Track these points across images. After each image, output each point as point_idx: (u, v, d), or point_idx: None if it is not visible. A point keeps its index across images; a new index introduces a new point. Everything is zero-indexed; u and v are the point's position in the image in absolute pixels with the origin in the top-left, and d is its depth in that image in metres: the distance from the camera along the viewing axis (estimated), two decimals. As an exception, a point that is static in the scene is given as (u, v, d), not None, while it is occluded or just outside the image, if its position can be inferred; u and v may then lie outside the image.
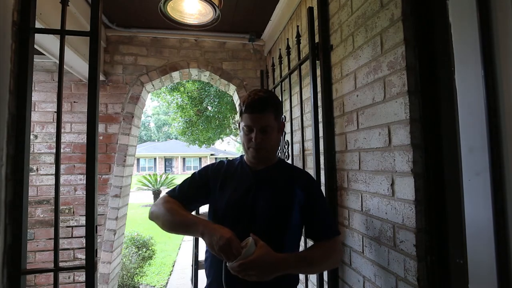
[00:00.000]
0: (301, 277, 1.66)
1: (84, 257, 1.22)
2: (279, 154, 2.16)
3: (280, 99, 2.08)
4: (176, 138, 29.98)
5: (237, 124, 1.28)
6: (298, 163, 1.80)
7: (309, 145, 1.66)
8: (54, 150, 2.40)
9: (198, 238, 2.42)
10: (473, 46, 0.69)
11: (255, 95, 1.08)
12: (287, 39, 2.05)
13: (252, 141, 1.08)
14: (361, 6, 1.17)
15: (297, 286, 1.14)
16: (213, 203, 1.16)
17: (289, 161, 1.94)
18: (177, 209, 1.09)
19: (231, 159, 1.28)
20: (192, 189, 1.18)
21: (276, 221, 1.06)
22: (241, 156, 1.24)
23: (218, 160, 1.39)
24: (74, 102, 2.49)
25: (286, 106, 2.07)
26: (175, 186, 1.22)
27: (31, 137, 2.38)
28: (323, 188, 1.44)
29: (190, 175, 1.23)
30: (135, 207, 11.80)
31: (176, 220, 1.07)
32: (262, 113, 1.06)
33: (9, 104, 1.10)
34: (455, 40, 0.75)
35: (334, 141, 1.41)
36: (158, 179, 13.63)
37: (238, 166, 1.20)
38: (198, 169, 1.27)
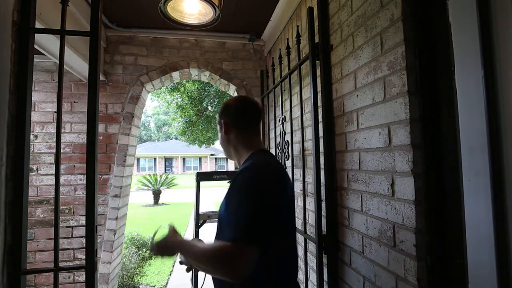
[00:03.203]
0: (301, 277, 1.66)
1: (84, 257, 1.22)
2: (279, 154, 2.16)
3: (280, 99, 2.08)
4: (176, 138, 30.00)
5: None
6: (298, 163, 1.80)
7: (309, 145, 1.66)
8: (54, 150, 2.41)
9: (198, 238, 2.42)
10: (473, 46, 0.69)
11: None
12: (287, 39, 2.05)
13: None
14: (361, 6, 1.17)
15: (298, 286, 1.13)
16: None
17: (289, 161, 1.94)
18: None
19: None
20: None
21: (220, 225, 1.05)
22: None
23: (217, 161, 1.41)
24: (74, 102, 2.49)
25: (286, 106, 2.07)
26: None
27: (31, 137, 2.38)
28: (323, 188, 1.44)
29: None
30: (135, 207, 11.80)
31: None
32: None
33: (9, 104, 1.11)
34: (455, 40, 0.75)
35: (334, 141, 1.41)
36: (158, 179, 13.62)
37: None
38: (199, 170, 1.25)
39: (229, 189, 1.00)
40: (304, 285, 1.58)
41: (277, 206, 0.94)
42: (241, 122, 1.12)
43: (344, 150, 1.32)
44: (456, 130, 0.75)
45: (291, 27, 2.07)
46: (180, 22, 1.83)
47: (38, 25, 1.43)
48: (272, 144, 2.41)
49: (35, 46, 1.41)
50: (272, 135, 2.43)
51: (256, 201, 0.88)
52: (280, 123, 2.07)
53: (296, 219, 1.92)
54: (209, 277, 1.12)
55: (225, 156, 2.45)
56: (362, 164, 1.18)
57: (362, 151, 1.18)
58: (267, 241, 0.87)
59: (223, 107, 1.18)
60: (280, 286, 0.99)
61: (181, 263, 1.10)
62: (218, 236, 1.04)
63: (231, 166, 29.19)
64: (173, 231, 1.11)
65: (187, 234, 7.48)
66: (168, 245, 1.07)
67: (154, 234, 1.19)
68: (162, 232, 1.14)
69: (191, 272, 1.19)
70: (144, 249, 4.29)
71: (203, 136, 8.39)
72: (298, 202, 1.89)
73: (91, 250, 1.21)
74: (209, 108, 7.77)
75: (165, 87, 7.18)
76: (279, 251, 0.98)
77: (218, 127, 1.20)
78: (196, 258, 0.93)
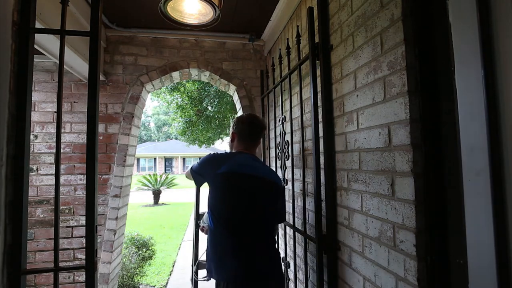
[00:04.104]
0: (301, 277, 1.66)
1: (84, 257, 1.22)
2: (279, 154, 2.17)
3: (280, 99, 2.08)
4: (176, 138, 29.98)
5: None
6: (298, 163, 1.81)
7: (309, 145, 1.66)
8: (54, 150, 2.41)
9: (198, 238, 2.42)
10: (473, 46, 0.69)
11: None
12: (287, 39, 2.05)
13: None
14: (361, 6, 1.17)
15: (297, 286, 1.14)
16: None
17: (289, 161, 1.94)
18: None
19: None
20: None
21: None
22: None
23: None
24: (74, 102, 2.49)
25: (286, 106, 2.07)
26: None
27: (31, 137, 2.38)
28: (323, 188, 1.44)
29: None
30: (135, 207, 11.80)
31: None
32: None
33: (9, 104, 1.10)
34: (455, 40, 0.75)
35: (334, 141, 1.41)
36: (158, 179, 13.62)
37: None
38: None
39: None
40: (304, 285, 1.58)
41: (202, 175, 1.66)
42: (244, 134, 1.69)
43: (344, 150, 1.32)
44: (456, 130, 0.75)
45: (291, 27, 2.07)
46: (180, 22, 1.83)
47: (38, 25, 1.43)
48: (272, 144, 2.42)
49: (35, 46, 1.41)
50: (272, 135, 2.43)
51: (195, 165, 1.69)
52: (280, 123, 2.07)
53: (296, 219, 1.92)
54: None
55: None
56: (362, 164, 1.18)
57: (362, 151, 1.18)
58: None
59: (235, 123, 1.74)
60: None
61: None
62: None
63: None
64: None
65: (187, 234, 7.48)
66: None
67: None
68: None
69: (191, 272, 1.24)
70: (144, 249, 4.29)
71: (203, 136, 8.38)
72: (298, 202, 1.89)
73: (91, 250, 1.21)
74: (209, 108, 7.76)
75: (165, 87, 7.17)
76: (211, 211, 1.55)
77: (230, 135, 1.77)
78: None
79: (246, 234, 1.47)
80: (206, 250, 1.59)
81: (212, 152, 1.69)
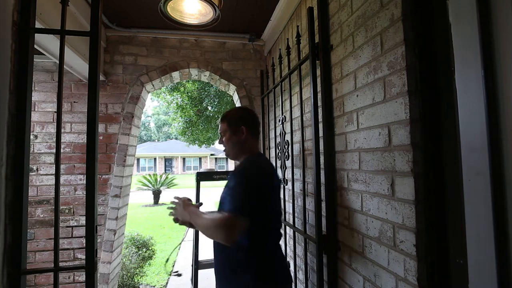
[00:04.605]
0: (301, 277, 1.66)
1: (84, 257, 1.22)
2: (279, 154, 2.16)
3: (280, 99, 2.08)
4: (176, 138, 30.02)
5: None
6: (298, 163, 1.80)
7: (309, 145, 1.66)
8: (54, 150, 2.41)
9: (198, 238, 2.42)
10: (473, 46, 0.69)
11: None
12: (287, 39, 2.05)
13: None
14: (361, 6, 1.17)
15: (297, 286, 1.15)
16: None
17: (289, 161, 1.94)
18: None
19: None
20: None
21: (220, 206, 1.41)
22: None
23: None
24: (74, 102, 2.49)
25: (286, 106, 2.07)
26: None
27: (31, 137, 2.38)
28: (323, 188, 1.44)
29: None
30: (135, 207, 11.80)
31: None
32: (220, 124, 1.52)
33: (9, 104, 1.11)
34: (455, 40, 0.75)
35: (334, 141, 1.41)
36: (158, 179, 13.61)
37: None
38: (199, 170, 1.56)
39: (230, 180, 1.39)
40: (304, 285, 1.58)
41: (265, 194, 1.30)
42: (254, 130, 1.49)
43: (344, 150, 1.32)
44: (456, 130, 0.75)
45: (291, 27, 2.07)
46: (180, 22, 1.83)
47: (38, 25, 1.43)
48: (272, 144, 2.42)
49: (35, 46, 1.41)
50: (272, 135, 2.43)
51: (249, 188, 1.24)
52: (280, 123, 2.07)
53: (296, 219, 1.92)
54: (207, 276, 1.31)
55: (225, 156, 2.45)
56: (362, 164, 1.18)
57: (362, 151, 1.18)
58: (253, 215, 1.19)
59: (232, 116, 1.49)
60: (259, 250, 1.32)
61: (175, 220, 1.42)
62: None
63: (231, 166, 29.18)
64: (187, 200, 1.44)
65: (187, 234, 7.48)
66: (186, 211, 1.36)
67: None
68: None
69: (191, 272, 1.25)
70: (144, 249, 4.29)
71: (203, 136, 8.39)
72: (298, 202, 1.89)
73: (91, 250, 1.21)
74: (209, 108, 7.77)
75: (165, 87, 7.17)
76: (263, 225, 1.31)
77: (230, 130, 1.46)
78: (202, 224, 1.25)
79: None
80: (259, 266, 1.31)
81: (252, 172, 1.32)
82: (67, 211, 2.42)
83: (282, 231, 1.57)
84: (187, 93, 7.45)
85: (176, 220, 1.43)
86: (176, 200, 1.46)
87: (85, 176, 1.25)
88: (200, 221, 1.27)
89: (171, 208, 1.45)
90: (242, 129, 1.44)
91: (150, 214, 10.61)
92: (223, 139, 1.49)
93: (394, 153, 0.97)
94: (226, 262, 1.35)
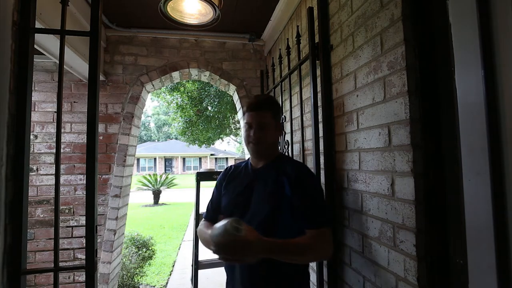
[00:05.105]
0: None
1: (84, 257, 1.22)
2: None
3: (280, 99, 2.08)
4: (176, 138, 30.00)
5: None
6: (298, 163, 1.80)
7: (309, 145, 1.66)
8: (54, 150, 2.41)
9: (198, 238, 2.42)
10: (473, 46, 0.69)
11: (256, 97, 1.28)
12: (287, 39, 2.05)
13: (251, 136, 1.18)
14: (361, 6, 1.17)
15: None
16: (222, 204, 1.29)
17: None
18: (201, 231, 1.25)
19: (240, 161, 1.40)
20: (214, 204, 1.33)
21: (266, 221, 1.11)
22: (248, 158, 1.35)
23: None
24: (74, 102, 2.49)
25: (286, 106, 2.07)
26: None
27: (31, 137, 2.38)
28: (323, 188, 1.44)
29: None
30: (135, 207, 11.80)
31: (202, 242, 1.22)
32: (260, 111, 1.19)
33: (9, 104, 1.10)
34: (455, 40, 0.75)
35: (334, 141, 1.41)
36: (158, 179, 13.62)
37: (243, 167, 1.31)
38: (199, 170, 1.44)
39: (285, 182, 1.12)
40: (304, 285, 1.58)
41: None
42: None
43: (344, 150, 1.32)
44: (456, 130, 0.75)
45: (291, 27, 2.07)
46: (180, 22, 1.83)
47: (38, 25, 1.43)
48: (272, 144, 2.41)
49: (35, 46, 1.41)
50: (272, 135, 2.43)
51: (323, 195, 1.18)
52: (280, 123, 2.07)
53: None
54: (207, 276, 1.22)
55: (225, 156, 2.44)
56: (362, 164, 1.18)
57: (362, 151, 1.18)
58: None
59: (277, 106, 1.26)
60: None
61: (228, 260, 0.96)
62: (276, 222, 1.11)
63: (231, 166, 29.09)
64: (251, 230, 0.94)
65: (187, 234, 7.48)
66: (254, 246, 0.91)
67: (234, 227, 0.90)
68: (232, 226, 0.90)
69: (191, 272, 1.22)
70: (144, 249, 4.29)
71: (203, 136, 8.38)
72: (298, 202, 1.89)
73: (91, 250, 1.21)
74: (209, 108, 7.76)
75: (165, 87, 7.17)
76: None
77: (275, 124, 1.22)
78: (294, 252, 1.01)
79: None
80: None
81: (316, 177, 1.33)
82: (67, 211, 2.42)
83: None
84: (187, 93, 7.45)
85: (229, 260, 0.96)
86: (232, 230, 0.90)
87: (85, 176, 1.25)
88: (288, 249, 1.00)
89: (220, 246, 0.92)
90: (280, 125, 1.28)
91: (150, 214, 10.62)
92: (263, 131, 1.18)
93: (394, 153, 0.97)
94: (280, 271, 1.10)
